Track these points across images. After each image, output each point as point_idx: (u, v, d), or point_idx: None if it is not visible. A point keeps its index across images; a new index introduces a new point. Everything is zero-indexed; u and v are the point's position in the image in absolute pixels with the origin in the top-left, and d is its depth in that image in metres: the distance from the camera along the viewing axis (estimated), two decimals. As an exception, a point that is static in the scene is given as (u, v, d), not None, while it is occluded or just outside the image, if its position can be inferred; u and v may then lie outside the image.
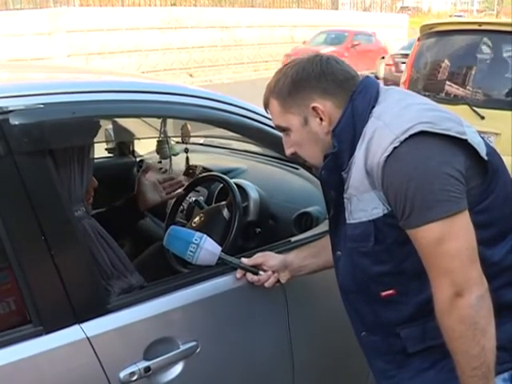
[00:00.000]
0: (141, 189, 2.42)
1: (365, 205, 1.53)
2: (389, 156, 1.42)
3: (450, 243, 1.40)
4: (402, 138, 1.41)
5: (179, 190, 2.56)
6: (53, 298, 1.59)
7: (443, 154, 1.42)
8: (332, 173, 1.61)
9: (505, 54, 5.53)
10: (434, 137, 1.42)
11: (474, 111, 5.14)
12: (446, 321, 1.43)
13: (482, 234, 1.46)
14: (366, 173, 1.49)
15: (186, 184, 2.70)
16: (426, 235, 1.42)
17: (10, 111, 1.50)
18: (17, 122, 1.49)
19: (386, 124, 1.47)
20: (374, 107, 1.55)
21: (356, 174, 1.53)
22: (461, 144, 1.44)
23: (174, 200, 2.68)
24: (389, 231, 1.51)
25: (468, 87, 5.42)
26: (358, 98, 1.57)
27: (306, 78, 1.60)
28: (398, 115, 1.48)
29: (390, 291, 1.58)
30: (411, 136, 1.41)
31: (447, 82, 5.55)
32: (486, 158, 1.48)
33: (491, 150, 1.54)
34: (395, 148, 1.42)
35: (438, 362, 1.60)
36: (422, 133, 1.41)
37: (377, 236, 1.53)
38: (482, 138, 1.55)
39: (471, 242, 1.42)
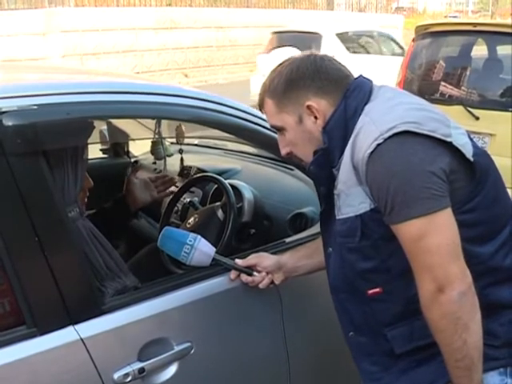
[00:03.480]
0: (130, 188, 2.40)
1: (352, 199, 1.55)
2: (372, 152, 1.44)
3: (431, 239, 1.42)
4: (386, 135, 1.42)
5: (172, 189, 2.54)
6: (46, 299, 1.59)
7: (426, 153, 1.43)
8: (322, 169, 1.63)
9: (499, 55, 5.54)
10: (419, 136, 1.43)
11: (469, 112, 5.15)
12: (428, 315, 1.46)
13: (469, 232, 1.49)
14: (353, 168, 1.51)
15: (181, 184, 2.70)
16: (407, 231, 1.44)
17: (3, 112, 1.50)
18: (10, 123, 1.49)
19: (373, 120, 1.49)
20: (366, 104, 1.57)
21: (344, 169, 1.55)
22: (446, 145, 1.46)
23: (168, 201, 2.68)
24: (375, 227, 1.53)
25: (463, 88, 5.43)
26: (351, 96, 1.59)
27: (300, 76, 1.61)
28: (385, 113, 1.50)
29: (377, 289, 1.60)
30: (396, 134, 1.42)
31: (442, 83, 5.56)
32: (471, 159, 1.49)
33: (479, 151, 1.55)
34: (379, 145, 1.43)
35: (424, 361, 1.62)
36: (406, 132, 1.42)
37: (363, 231, 1.55)
38: (471, 139, 1.56)
39: (453, 238, 1.43)
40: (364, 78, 1.67)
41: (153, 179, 2.46)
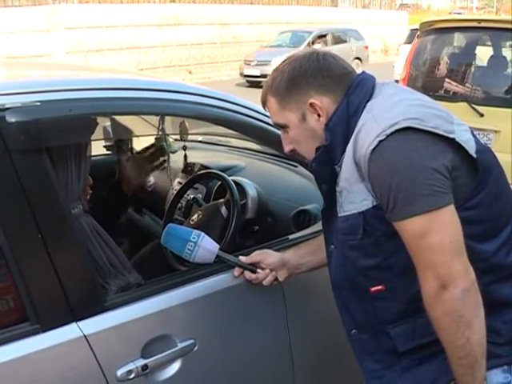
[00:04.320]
0: (123, 171, 2.38)
1: (355, 196, 1.54)
2: (374, 149, 1.43)
3: (433, 237, 1.41)
4: (388, 131, 1.41)
5: (176, 183, 2.53)
6: (50, 296, 1.59)
7: (428, 149, 1.42)
8: (323, 165, 1.62)
9: (504, 52, 5.53)
10: (421, 133, 1.42)
11: (474, 109, 5.14)
12: (431, 312, 1.46)
13: (472, 229, 1.48)
14: (355, 164, 1.51)
15: (185, 181, 2.70)
16: (409, 228, 1.44)
17: (7, 109, 1.49)
18: (13, 120, 1.49)
19: (375, 117, 1.48)
20: (368, 101, 1.56)
21: (346, 166, 1.54)
22: (449, 141, 1.45)
23: (172, 197, 2.68)
24: (377, 224, 1.52)
25: (467, 84, 5.42)
26: (353, 93, 1.58)
27: (303, 74, 1.60)
28: (387, 109, 1.49)
29: (379, 287, 1.59)
30: (398, 131, 1.41)
31: (446, 80, 5.55)
32: (474, 155, 1.48)
33: (482, 148, 1.54)
34: (381, 141, 1.42)
35: (427, 359, 1.61)
36: (409, 128, 1.41)
37: (365, 228, 1.54)
38: (474, 135, 1.55)
39: (456, 235, 1.42)
40: (367, 74, 1.66)
41: (144, 155, 2.43)
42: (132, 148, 3.75)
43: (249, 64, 17.34)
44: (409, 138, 1.42)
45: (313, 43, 18.00)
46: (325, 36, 18.90)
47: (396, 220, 1.45)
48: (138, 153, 2.53)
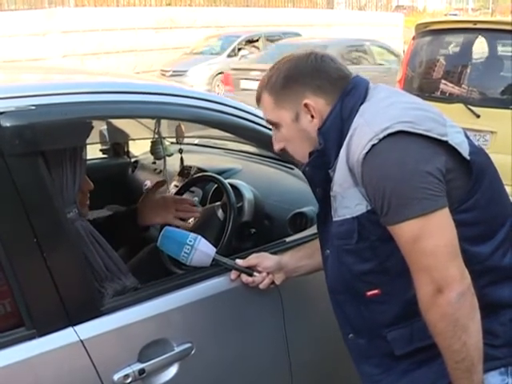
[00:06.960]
0: (146, 204, 2.30)
1: (348, 201, 1.53)
2: (367, 153, 1.43)
3: (427, 241, 1.41)
4: (381, 135, 1.41)
5: (172, 190, 2.51)
6: (46, 301, 1.58)
7: (422, 153, 1.42)
8: (317, 170, 1.62)
9: (500, 53, 5.54)
10: (414, 136, 1.42)
11: (470, 110, 5.15)
12: (427, 317, 1.45)
13: (467, 231, 1.48)
14: (348, 169, 1.50)
15: (181, 184, 2.69)
16: (403, 232, 1.43)
17: (1, 113, 1.49)
18: (8, 124, 1.48)
19: (367, 121, 1.48)
20: (362, 105, 1.55)
21: (340, 171, 1.54)
22: (442, 144, 1.44)
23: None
24: (372, 228, 1.51)
25: (463, 86, 5.43)
26: (347, 97, 1.58)
27: (299, 73, 1.60)
28: (379, 113, 1.48)
29: (375, 291, 1.58)
30: (390, 134, 1.41)
31: (442, 81, 5.56)
32: (468, 157, 1.48)
33: (476, 150, 1.54)
34: (374, 145, 1.42)
35: (425, 362, 1.60)
36: (401, 132, 1.41)
37: (360, 233, 1.53)
38: (467, 137, 1.55)
39: (450, 239, 1.42)
40: (360, 77, 1.65)
41: (177, 201, 2.37)
42: (128, 151, 3.76)
43: (164, 74, 14.92)
44: (402, 141, 1.42)
45: (239, 50, 15.76)
46: (257, 40, 16.30)
47: (390, 224, 1.45)
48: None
